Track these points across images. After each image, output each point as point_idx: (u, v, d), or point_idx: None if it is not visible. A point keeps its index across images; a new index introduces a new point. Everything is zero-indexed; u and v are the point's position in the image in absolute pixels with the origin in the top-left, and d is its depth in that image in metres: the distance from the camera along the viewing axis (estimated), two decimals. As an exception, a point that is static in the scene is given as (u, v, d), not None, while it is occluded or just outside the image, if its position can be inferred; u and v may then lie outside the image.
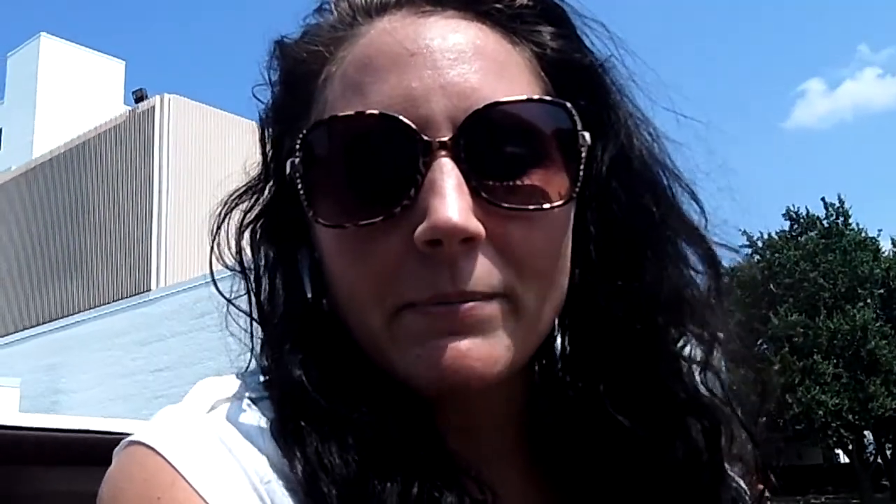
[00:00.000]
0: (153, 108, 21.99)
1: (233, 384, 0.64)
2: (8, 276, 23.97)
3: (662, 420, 0.67)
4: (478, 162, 0.58)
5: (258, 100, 0.71)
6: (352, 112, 0.59)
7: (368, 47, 0.62)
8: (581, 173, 0.61)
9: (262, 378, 0.65)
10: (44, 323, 21.44)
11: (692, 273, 0.69)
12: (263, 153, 0.70)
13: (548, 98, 0.62)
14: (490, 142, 0.59)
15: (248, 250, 0.70)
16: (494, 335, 0.59)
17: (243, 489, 0.55)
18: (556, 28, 0.66)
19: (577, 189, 0.61)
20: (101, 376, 18.39)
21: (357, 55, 0.63)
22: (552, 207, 0.60)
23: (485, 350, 0.58)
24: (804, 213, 30.79)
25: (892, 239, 31.22)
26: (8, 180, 24.99)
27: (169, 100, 22.15)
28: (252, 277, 0.69)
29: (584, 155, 0.61)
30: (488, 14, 0.64)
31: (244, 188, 0.71)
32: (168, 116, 21.84)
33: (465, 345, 0.58)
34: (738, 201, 0.71)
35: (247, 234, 0.70)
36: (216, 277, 0.72)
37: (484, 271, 0.58)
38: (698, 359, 0.69)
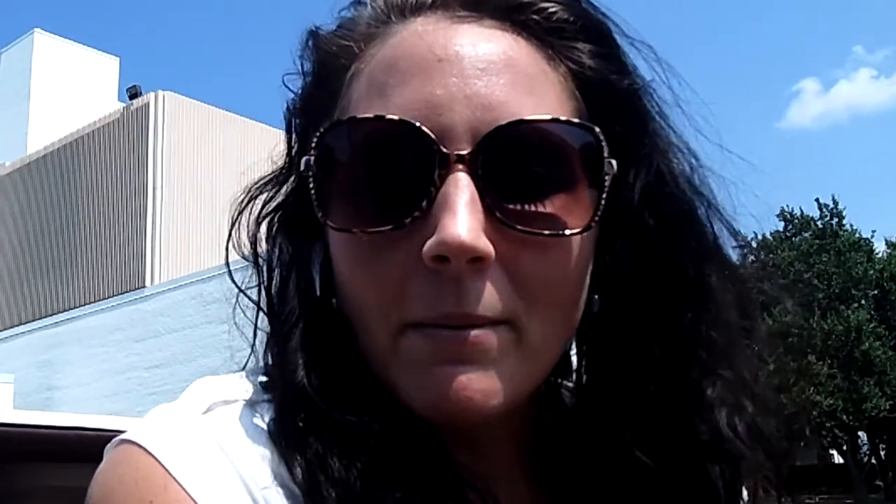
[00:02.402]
0: (147, 104, 22.01)
1: (231, 384, 0.61)
2: (2, 272, 23.87)
3: (682, 458, 0.64)
4: (495, 180, 0.56)
5: (288, 88, 0.68)
6: (371, 115, 0.57)
7: (397, 48, 0.60)
8: (603, 202, 0.58)
9: (262, 378, 0.62)
10: (38, 319, 21.36)
11: (727, 313, 0.66)
12: (289, 144, 0.68)
13: (575, 120, 0.59)
14: (510, 160, 0.56)
15: (262, 242, 0.68)
16: (497, 366, 0.57)
17: (238, 494, 0.53)
18: (596, 46, 0.63)
19: (596, 218, 0.58)
20: (96, 373, 18.35)
21: (386, 55, 0.61)
22: (568, 235, 0.57)
23: (485, 382, 0.56)
24: (798, 214, 30.92)
25: (886, 240, 31.44)
26: (2, 176, 24.92)
27: (163, 97, 22.18)
28: (265, 270, 0.67)
29: (607, 183, 0.58)
30: (525, 25, 0.61)
31: (268, 178, 0.69)
32: (162, 113, 21.87)
33: (465, 375, 0.56)
34: (734, 202, 0.68)
35: (263, 226, 0.68)
36: (224, 269, 0.70)
37: (490, 294, 0.56)
38: (725, 400, 0.66)
